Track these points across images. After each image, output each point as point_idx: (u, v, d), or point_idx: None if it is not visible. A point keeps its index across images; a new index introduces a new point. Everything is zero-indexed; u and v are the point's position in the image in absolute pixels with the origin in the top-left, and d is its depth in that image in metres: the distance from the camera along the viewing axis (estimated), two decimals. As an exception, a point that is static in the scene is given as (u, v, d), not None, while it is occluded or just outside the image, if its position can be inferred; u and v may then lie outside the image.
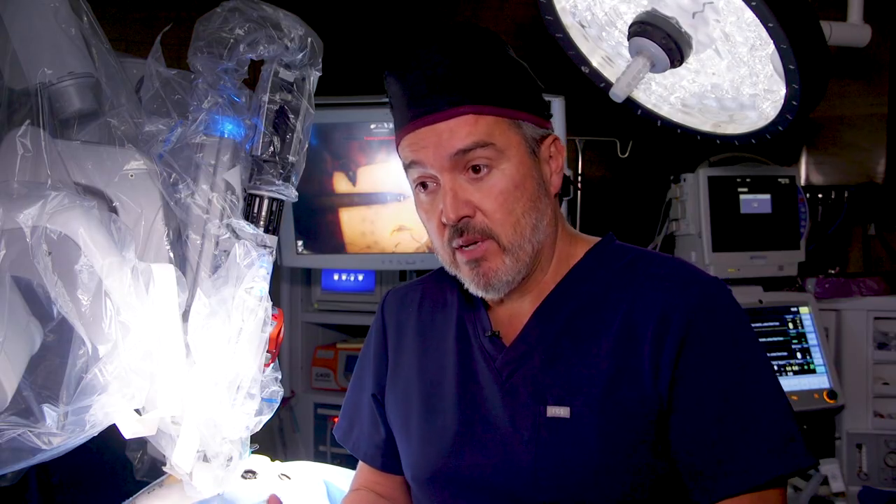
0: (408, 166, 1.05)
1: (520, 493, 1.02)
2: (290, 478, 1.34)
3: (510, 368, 1.07)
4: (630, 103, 1.24)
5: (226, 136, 1.17)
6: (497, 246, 1.02)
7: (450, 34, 1.04)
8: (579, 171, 2.51)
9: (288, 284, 2.78)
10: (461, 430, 1.08)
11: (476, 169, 1.01)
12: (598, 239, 1.13)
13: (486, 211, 1.01)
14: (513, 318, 1.11)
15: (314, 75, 1.23)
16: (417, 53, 1.03)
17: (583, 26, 1.22)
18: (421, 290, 1.24)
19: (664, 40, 1.06)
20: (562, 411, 1.00)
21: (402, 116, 1.05)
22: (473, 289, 1.06)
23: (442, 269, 1.13)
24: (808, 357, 2.14)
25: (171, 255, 1.11)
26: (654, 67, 1.09)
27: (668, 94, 1.23)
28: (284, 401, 2.44)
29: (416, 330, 1.20)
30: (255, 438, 1.24)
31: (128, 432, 1.05)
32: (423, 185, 1.05)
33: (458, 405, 1.10)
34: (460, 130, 1.00)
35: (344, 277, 2.76)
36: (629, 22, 1.10)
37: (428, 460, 1.11)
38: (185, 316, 1.11)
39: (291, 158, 1.21)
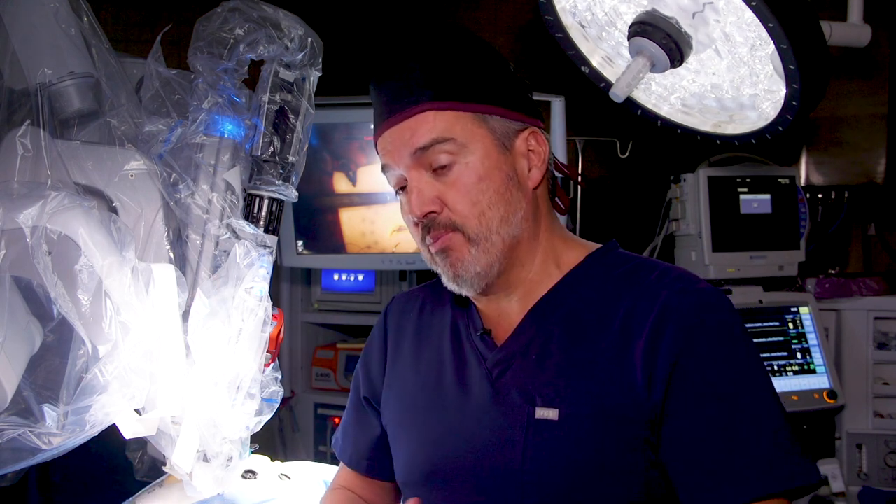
0: (383, 169, 1.08)
1: (507, 494, 1.00)
2: (290, 478, 1.34)
3: (501, 368, 1.06)
4: (630, 103, 1.24)
5: (226, 136, 1.17)
6: (463, 237, 1.02)
7: (414, 35, 1.07)
8: (580, 171, 2.51)
9: (288, 284, 2.78)
10: (453, 430, 1.07)
11: (441, 165, 1.02)
12: (599, 245, 1.11)
13: (450, 204, 1.02)
14: (502, 318, 1.10)
15: (314, 75, 1.23)
16: (383, 60, 1.06)
17: (583, 26, 1.22)
18: (423, 295, 1.24)
19: (664, 40, 1.06)
20: (551, 413, 0.99)
21: (376, 122, 1.09)
22: (447, 282, 1.07)
23: None
24: (808, 357, 2.13)
25: (171, 255, 1.11)
26: (654, 67, 1.09)
27: (668, 94, 1.23)
28: (284, 401, 2.45)
29: (415, 332, 1.20)
30: (255, 438, 1.24)
31: (128, 432, 1.05)
32: (403, 188, 1.07)
33: (450, 405, 1.09)
34: (420, 128, 1.02)
35: (344, 277, 2.76)
36: (629, 22, 1.10)
37: (419, 460, 1.11)
38: (185, 316, 1.11)
39: (291, 158, 1.21)
